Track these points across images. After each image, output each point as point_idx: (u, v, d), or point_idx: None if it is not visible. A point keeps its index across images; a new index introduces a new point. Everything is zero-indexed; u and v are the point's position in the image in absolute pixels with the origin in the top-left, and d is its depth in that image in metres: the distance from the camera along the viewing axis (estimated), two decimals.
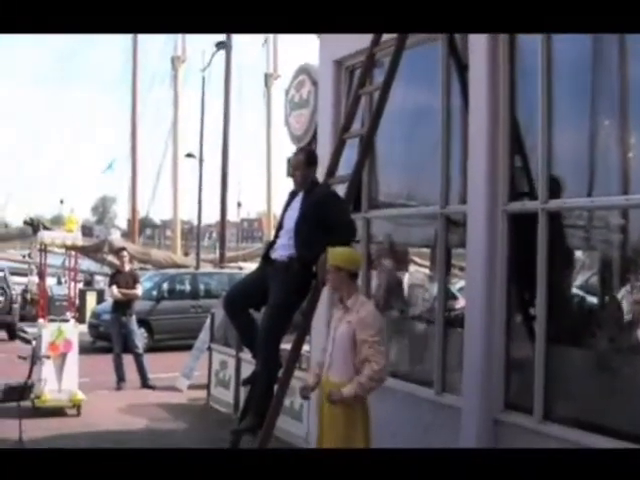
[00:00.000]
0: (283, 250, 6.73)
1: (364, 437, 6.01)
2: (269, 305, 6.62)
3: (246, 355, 9.48)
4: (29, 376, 9.58)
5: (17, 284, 24.49)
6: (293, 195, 7.01)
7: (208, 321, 13.77)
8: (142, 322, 17.02)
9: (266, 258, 6.90)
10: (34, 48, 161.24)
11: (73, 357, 11.62)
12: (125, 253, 15.18)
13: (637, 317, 6.18)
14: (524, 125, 7.06)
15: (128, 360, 14.08)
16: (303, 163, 6.96)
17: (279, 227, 6.95)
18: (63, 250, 14.70)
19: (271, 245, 6.95)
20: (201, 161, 32.58)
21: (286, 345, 6.78)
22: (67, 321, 12.03)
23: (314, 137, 10.81)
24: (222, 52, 29.67)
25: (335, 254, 6.12)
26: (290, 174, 7.12)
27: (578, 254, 7.25)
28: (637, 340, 6.13)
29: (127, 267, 14.80)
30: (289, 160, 7.19)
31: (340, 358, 5.98)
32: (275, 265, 6.74)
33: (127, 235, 43.53)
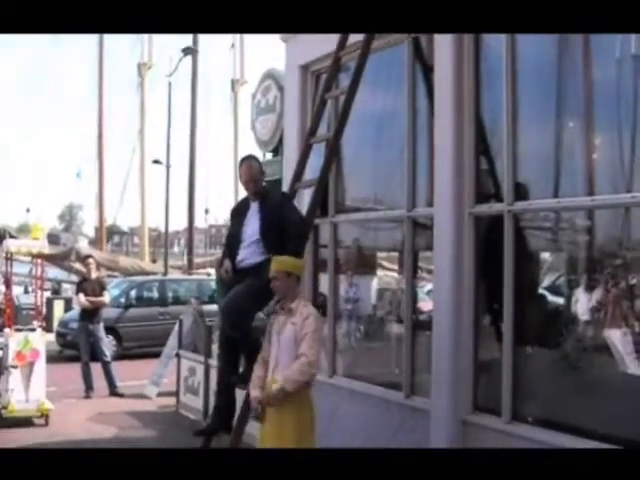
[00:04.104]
0: (252, 257, 6.71)
1: (312, 438, 6.13)
2: (242, 286, 6.55)
3: (214, 361, 9.46)
4: None
5: None
6: (243, 209, 6.98)
7: (176, 328, 13.71)
8: (110, 330, 16.89)
9: (233, 271, 6.86)
10: None
11: (40, 366, 11.50)
12: (91, 260, 15.04)
13: (603, 317, 6.21)
14: (489, 127, 7.09)
15: (96, 368, 13.97)
16: (259, 172, 6.95)
17: (237, 241, 6.86)
18: (30, 258, 14.58)
19: (232, 260, 6.87)
20: (168, 167, 32.44)
21: None
22: (34, 330, 11.92)
23: (280, 142, 10.82)
24: (189, 58, 29.57)
25: (284, 261, 6.23)
26: (245, 184, 6.93)
27: (544, 255, 7.30)
28: (603, 340, 6.17)
29: (94, 275, 14.68)
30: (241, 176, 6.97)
31: (286, 359, 6.07)
32: (244, 271, 6.72)
33: (94, 242, 43.22)
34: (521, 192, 6.64)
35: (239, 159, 7.18)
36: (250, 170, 6.91)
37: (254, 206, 6.87)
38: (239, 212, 7.03)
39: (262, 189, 6.95)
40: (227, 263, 6.83)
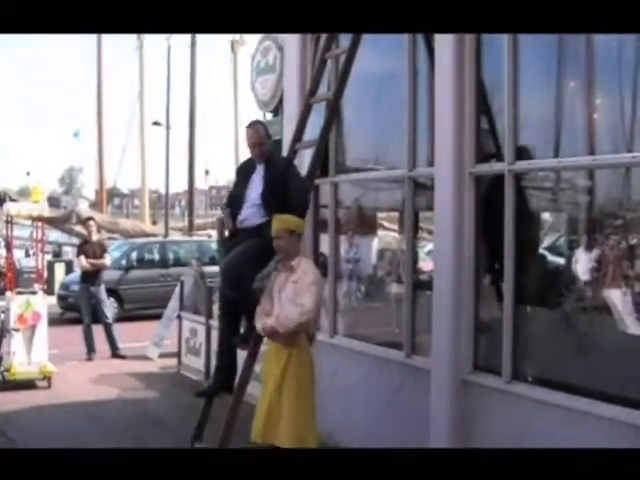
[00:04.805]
0: (253, 218, 6.77)
1: (312, 393, 6.30)
2: (242, 246, 6.63)
3: (215, 322, 9.49)
4: None
5: None
6: (248, 169, 7.04)
7: (177, 289, 13.75)
8: (111, 292, 16.93)
9: (234, 231, 6.90)
10: None
11: (42, 329, 11.56)
12: (92, 223, 15.04)
13: (603, 277, 6.22)
14: (490, 86, 7.04)
15: (98, 330, 14.04)
16: (265, 136, 6.99)
17: (240, 201, 6.91)
18: (30, 222, 14.59)
19: (234, 220, 6.94)
20: (168, 129, 32.37)
21: None
22: (35, 293, 11.96)
23: (280, 102, 10.77)
24: None
25: (286, 219, 6.34)
26: (251, 147, 7.01)
27: (545, 215, 7.28)
28: (603, 300, 6.17)
29: (95, 237, 14.69)
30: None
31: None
32: (245, 231, 6.78)
33: (95, 205, 43.20)
34: (522, 152, 6.61)
35: (240, 121, 7.23)
36: (257, 134, 6.98)
37: (259, 169, 6.94)
38: (244, 172, 7.11)
39: (267, 152, 6.99)
40: (226, 214, 6.96)
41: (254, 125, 7.13)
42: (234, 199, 7.01)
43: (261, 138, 6.96)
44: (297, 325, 6.13)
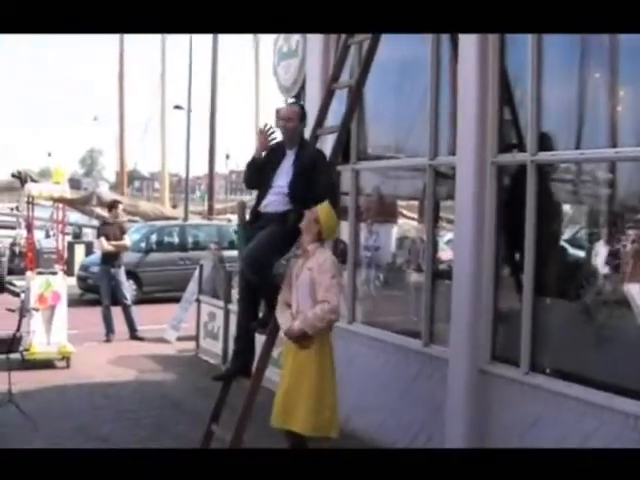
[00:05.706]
0: (277, 205, 6.70)
1: (331, 382, 6.28)
2: (265, 233, 6.58)
3: (234, 306, 9.52)
4: (18, 328, 9.59)
5: (5, 237, 24.40)
6: (278, 153, 6.90)
7: (196, 273, 13.78)
8: (130, 274, 16.97)
9: (256, 216, 6.87)
10: None
11: (62, 309, 11.63)
12: (121, 206, 15.23)
13: (623, 270, 6.19)
14: (514, 76, 7.00)
15: (117, 312, 14.11)
16: (298, 115, 6.91)
17: (266, 185, 6.84)
18: (51, 203, 14.65)
19: (257, 204, 6.91)
20: (189, 112, 32.41)
21: None
22: (55, 274, 12.02)
23: (303, 87, 10.75)
24: None
25: (324, 209, 6.33)
26: (279, 125, 6.95)
27: (566, 207, 7.24)
28: (622, 293, 6.14)
29: (122, 219, 14.85)
30: (278, 111, 7.02)
31: (304, 304, 6.22)
32: (267, 216, 6.72)
33: (115, 187, 43.39)
34: (545, 142, 6.58)
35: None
36: (289, 109, 7.00)
37: (290, 155, 6.84)
38: (275, 153, 6.95)
39: (299, 137, 6.93)
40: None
41: (292, 103, 7.27)
42: (262, 180, 6.92)
43: (292, 113, 6.87)
44: (327, 323, 6.13)
